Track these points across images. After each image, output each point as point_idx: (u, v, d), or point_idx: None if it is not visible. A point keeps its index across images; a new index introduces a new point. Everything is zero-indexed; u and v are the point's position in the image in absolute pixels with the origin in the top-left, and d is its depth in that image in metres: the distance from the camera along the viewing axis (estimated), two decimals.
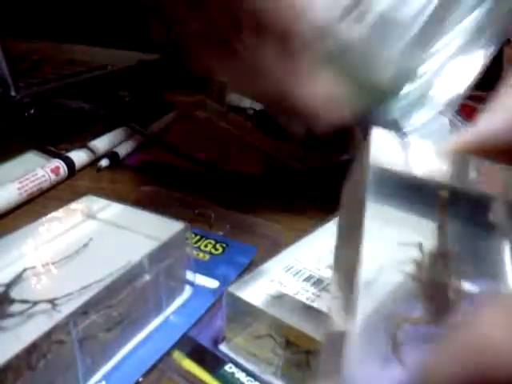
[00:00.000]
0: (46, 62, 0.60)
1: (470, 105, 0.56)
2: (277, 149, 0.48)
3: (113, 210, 0.29)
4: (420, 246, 0.16)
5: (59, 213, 0.28)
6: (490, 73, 0.70)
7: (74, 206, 0.29)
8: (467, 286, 0.16)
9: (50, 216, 0.28)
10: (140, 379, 0.22)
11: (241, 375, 0.23)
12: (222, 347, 0.24)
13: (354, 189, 0.18)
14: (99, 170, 0.46)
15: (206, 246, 0.33)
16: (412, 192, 0.17)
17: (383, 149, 0.18)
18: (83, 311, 0.21)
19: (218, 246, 0.33)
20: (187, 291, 0.28)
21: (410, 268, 0.16)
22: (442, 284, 0.16)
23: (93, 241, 0.26)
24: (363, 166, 0.17)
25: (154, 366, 0.23)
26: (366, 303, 0.14)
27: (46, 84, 0.50)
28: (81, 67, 0.58)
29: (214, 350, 0.24)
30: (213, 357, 0.24)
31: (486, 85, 0.64)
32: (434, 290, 0.16)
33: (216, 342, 0.24)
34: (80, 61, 0.61)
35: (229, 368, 0.23)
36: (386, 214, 0.16)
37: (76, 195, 0.31)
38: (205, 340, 0.25)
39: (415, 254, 0.16)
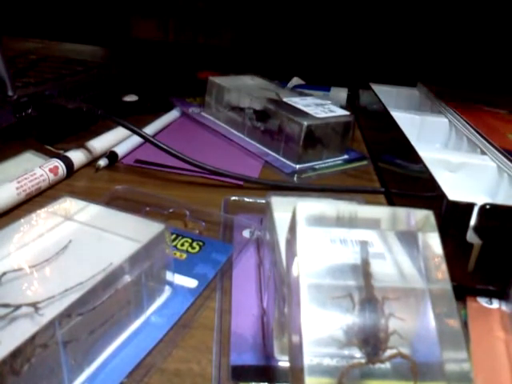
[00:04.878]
0: (44, 62, 0.59)
1: (469, 105, 0.58)
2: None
3: (90, 211, 0.29)
4: (351, 296, 0.19)
5: (36, 215, 0.28)
6: (490, 74, 0.73)
7: (51, 207, 0.29)
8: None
9: (27, 218, 0.28)
10: (124, 380, 0.23)
11: None
12: None
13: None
14: (98, 169, 0.46)
15: (182, 244, 0.33)
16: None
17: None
18: (66, 314, 0.21)
19: (194, 244, 0.33)
20: (167, 291, 0.28)
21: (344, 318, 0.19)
22: (373, 326, 0.19)
23: (72, 243, 0.26)
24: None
25: (137, 367, 0.23)
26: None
27: (44, 84, 0.50)
28: (79, 67, 0.57)
29: None
30: None
31: (485, 85, 0.67)
32: (367, 333, 0.18)
33: None
34: (78, 60, 0.61)
35: None
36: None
37: (75, 195, 0.31)
38: None
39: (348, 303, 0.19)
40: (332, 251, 0.20)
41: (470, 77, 0.73)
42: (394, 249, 0.21)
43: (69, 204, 0.30)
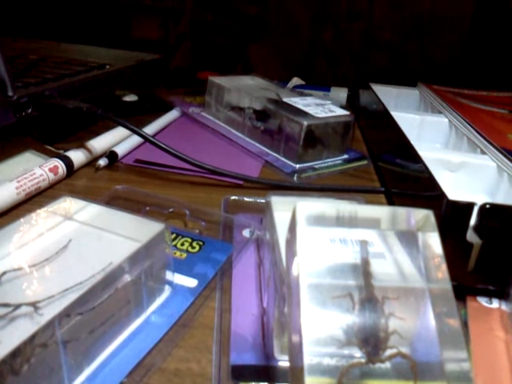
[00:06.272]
0: (44, 62, 0.59)
1: (469, 105, 0.58)
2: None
3: (90, 211, 0.29)
4: (351, 295, 0.19)
5: (36, 214, 0.28)
6: (489, 73, 0.73)
7: (51, 207, 0.29)
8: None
9: (27, 218, 0.28)
10: (123, 380, 0.23)
11: None
12: None
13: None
14: (98, 169, 0.46)
15: (182, 244, 0.33)
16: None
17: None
18: (66, 314, 0.21)
19: (194, 244, 0.33)
20: (166, 291, 0.28)
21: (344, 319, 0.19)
22: (373, 326, 0.19)
23: (72, 242, 0.26)
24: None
25: (136, 367, 0.23)
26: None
27: (44, 84, 0.49)
28: (79, 67, 0.57)
29: None
30: None
31: (485, 85, 0.67)
32: (367, 333, 0.18)
33: None
34: (78, 60, 0.61)
35: None
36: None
37: (74, 194, 0.31)
38: None
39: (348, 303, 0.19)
40: (332, 251, 0.20)
41: (470, 76, 0.73)
42: (394, 248, 0.21)
43: (69, 203, 0.30)
